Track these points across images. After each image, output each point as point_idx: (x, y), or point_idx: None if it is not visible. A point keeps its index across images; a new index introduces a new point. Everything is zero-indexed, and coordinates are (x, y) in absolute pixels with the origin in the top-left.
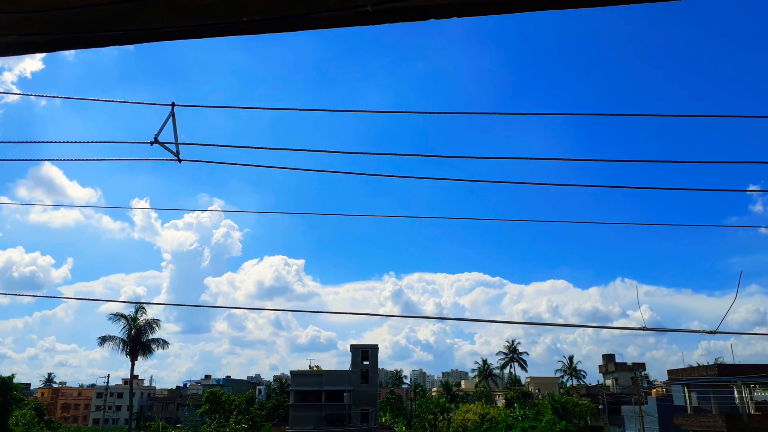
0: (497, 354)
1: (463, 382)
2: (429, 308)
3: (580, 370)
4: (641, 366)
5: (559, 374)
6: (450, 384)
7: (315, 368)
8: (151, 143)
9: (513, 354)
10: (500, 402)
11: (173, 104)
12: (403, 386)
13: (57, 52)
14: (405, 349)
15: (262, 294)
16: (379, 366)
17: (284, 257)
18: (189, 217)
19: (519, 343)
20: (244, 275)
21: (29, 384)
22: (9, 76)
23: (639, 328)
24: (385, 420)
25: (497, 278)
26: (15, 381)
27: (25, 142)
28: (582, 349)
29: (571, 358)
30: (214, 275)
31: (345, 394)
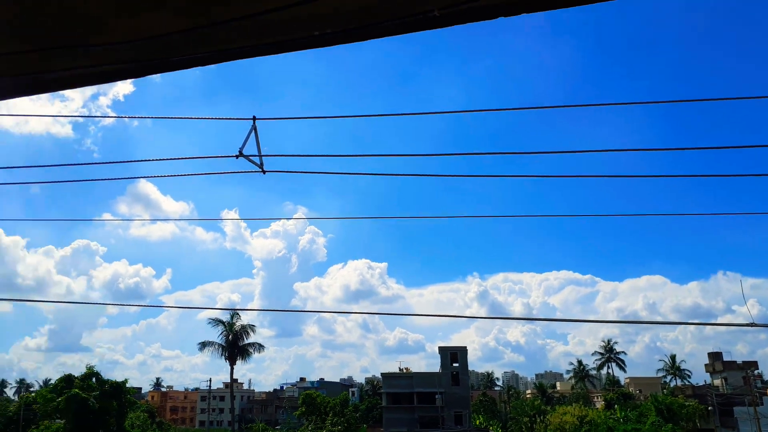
0: (593, 354)
1: (558, 384)
2: (517, 309)
3: (684, 370)
4: (753, 364)
5: (660, 374)
6: (544, 385)
7: (405, 370)
8: (237, 156)
9: (610, 354)
10: (599, 404)
11: (254, 118)
12: (496, 388)
13: (145, 77)
14: (495, 350)
15: (348, 297)
16: (469, 368)
17: (368, 261)
18: (276, 226)
19: (616, 342)
20: (330, 279)
21: (140, 388)
22: (104, 101)
23: (747, 324)
24: (479, 422)
25: (588, 276)
26: (128, 385)
27: (122, 162)
28: (684, 347)
29: (673, 357)
30: (302, 280)
31: (437, 396)
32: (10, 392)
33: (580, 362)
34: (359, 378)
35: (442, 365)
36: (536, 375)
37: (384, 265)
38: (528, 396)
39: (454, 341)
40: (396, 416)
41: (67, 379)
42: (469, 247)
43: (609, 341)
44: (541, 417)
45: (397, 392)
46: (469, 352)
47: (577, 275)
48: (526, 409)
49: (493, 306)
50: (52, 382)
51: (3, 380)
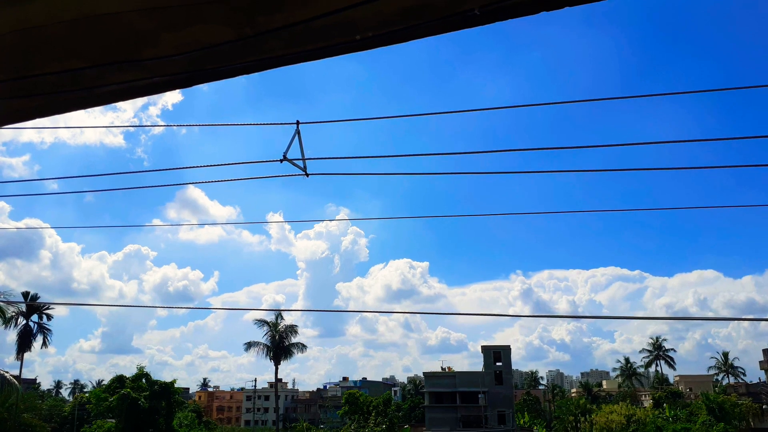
0: (640, 352)
1: (604, 382)
2: (562, 307)
3: (737, 367)
4: None
5: (712, 372)
6: (590, 384)
7: (447, 369)
8: (281, 161)
9: (658, 351)
10: (647, 402)
11: (297, 122)
12: (540, 387)
13: (193, 86)
14: (539, 349)
15: (390, 297)
16: (513, 367)
17: (409, 260)
18: (319, 227)
19: (664, 339)
20: (372, 280)
21: (188, 388)
22: (154, 110)
23: None
24: (523, 422)
25: (636, 272)
26: (176, 386)
27: (170, 169)
28: (738, 344)
29: (725, 355)
30: (344, 281)
31: (480, 396)
32: (65, 393)
33: (627, 360)
34: (401, 377)
35: (486, 364)
36: (582, 373)
37: (425, 264)
38: (573, 395)
39: (498, 340)
40: (439, 415)
41: (119, 380)
42: (512, 245)
43: (657, 338)
44: (587, 416)
45: (439, 391)
46: (512, 350)
47: (625, 271)
48: (571, 408)
49: (537, 304)
50: (105, 382)
51: (59, 381)
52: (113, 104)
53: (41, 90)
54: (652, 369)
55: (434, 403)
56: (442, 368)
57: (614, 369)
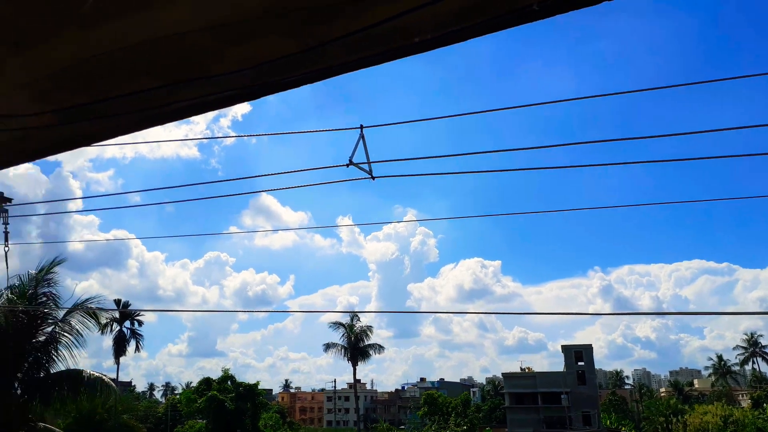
0: (734, 349)
1: (695, 381)
2: (645, 303)
3: None
4: None
5: None
6: (680, 383)
7: (526, 370)
8: (347, 165)
9: (754, 348)
10: (745, 402)
11: (361, 127)
12: (625, 387)
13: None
14: (623, 347)
15: (462, 297)
16: (596, 366)
17: (480, 259)
18: (387, 229)
19: (761, 335)
20: (443, 280)
21: (271, 390)
22: (225, 122)
23: None
24: (610, 423)
25: (725, 264)
26: (260, 387)
27: (243, 178)
28: None
29: None
30: (415, 281)
31: (562, 396)
32: (157, 394)
33: (720, 358)
34: (479, 378)
35: (567, 364)
36: (670, 372)
37: (498, 263)
38: (662, 395)
39: (578, 339)
40: (520, 417)
41: (206, 382)
42: (589, 240)
43: (752, 335)
44: (678, 417)
45: (520, 392)
46: (594, 349)
47: (712, 264)
48: (661, 409)
49: (618, 301)
50: (193, 384)
51: (152, 384)
52: (186, 118)
53: (121, 110)
54: (748, 367)
55: (515, 404)
56: (521, 369)
57: (706, 367)
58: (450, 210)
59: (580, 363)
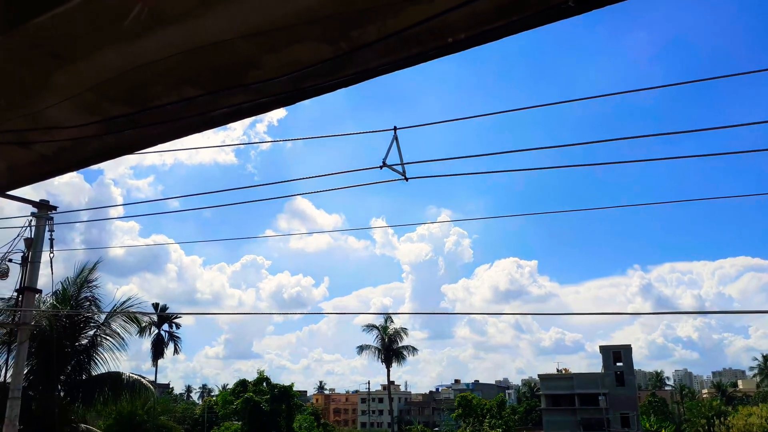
0: None
1: (740, 382)
2: (687, 302)
3: None
4: None
5: None
6: (723, 384)
7: (563, 371)
8: (380, 167)
9: None
10: None
11: (395, 128)
12: (666, 388)
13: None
14: (663, 347)
15: (498, 298)
16: (635, 367)
17: (516, 259)
18: (421, 230)
19: None
20: (478, 281)
21: (305, 391)
22: (261, 127)
23: None
24: (649, 425)
25: None
26: (294, 389)
27: (279, 182)
28: None
29: None
30: (449, 282)
31: (600, 398)
32: (195, 396)
33: (765, 358)
34: (515, 380)
35: (605, 365)
36: (713, 373)
37: (534, 263)
38: (704, 396)
39: (616, 339)
40: (557, 419)
41: (242, 384)
42: (627, 238)
43: None
44: (721, 419)
45: (556, 394)
46: (633, 350)
47: (758, 260)
48: (703, 411)
49: (659, 300)
50: (230, 386)
51: (189, 386)
52: (224, 125)
53: (162, 118)
54: None
55: (551, 406)
56: (558, 370)
57: (751, 368)
58: (485, 210)
59: (618, 364)
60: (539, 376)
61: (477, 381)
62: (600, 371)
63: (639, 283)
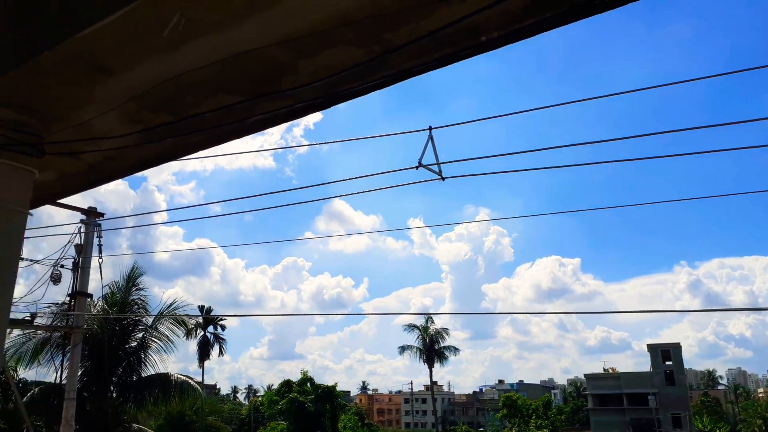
0: None
1: None
2: (738, 298)
3: None
4: None
5: None
6: None
7: (610, 370)
8: (416, 167)
9: None
10: None
11: (430, 128)
12: (719, 387)
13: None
14: (714, 346)
15: (540, 297)
16: (685, 366)
17: (558, 257)
18: (459, 229)
19: None
20: (519, 280)
21: (349, 391)
22: (297, 131)
23: None
24: (702, 425)
25: None
26: (337, 389)
27: (316, 185)
28: None
29: None
30: (490, 282)
31: (649, 397)
32: (241, 397)
33: None
34: (560, 379)
35: (653, 364)
36: None
37: (577, 261)
38: (760, 395)
39: (664, 337)
40: (605, 419)
41: (287, 384)
42: (673, 234)
43: None
44: None
45: (603, 394)
46: (683, 348)
47: None
48: (759, 410)
49: (708, 297)
50: (274, 387)
51: (235, 386)
52: (262, 131)
53: (202, 126)
54: None
55: (599, 406)
56: (604, 369)
57: None
58: (524, 208)
59: (667, 362)
60: (585, 375)
61: (521, 381)
62: (648, 370)
63: (687, 280)
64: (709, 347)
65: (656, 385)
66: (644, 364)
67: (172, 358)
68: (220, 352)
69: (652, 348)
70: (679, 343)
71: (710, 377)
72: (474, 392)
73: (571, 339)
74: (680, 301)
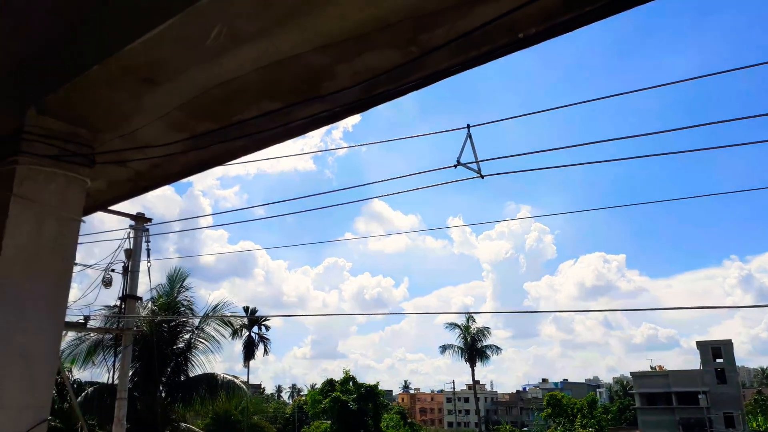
0: None
1: None
2: None
3: None
4: None
5: None
6: None
7: (657, 368)
8: (455, 166)
9: None
10: None
11: (468, 126)
12: None
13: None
14: None
15: (584, 294)
16: (737, 363)
17: (602, 254)
18: (500, 227)
19: None
20: (563, 277)
21: (391, 390)
22: (336, 133)
23: None
24: (757, 425)
25: None
26: (380, 388)
27: (355, 186)
28: None
29: None
30: (532, 280)
31: (700, 396)
32: (285, 396)
33: None
34: (606, 378)
35: (703, 361)
36: None
37: (621, 257)
38: None
39: (714, 334)
40: (653, 418)
41: (330, 384)
42: (722, 227)
43: None
44: None
45: (651, 392)
46: (735, 345)
47: None
48: None
49: (761, 292)
50: (318, 386)
51: (279, 386)
52: (302, 135)
53: (244, 132)
54: None
55: (646, 405)
56: (651, 367)
57: None
58: (566, 204)
59: (718, 360)
60: (632, 373)
61: (566, 380)
62: (698, 368)
63: (738, 275)
64: (762, 344)
65: (707, 383)
66: (693, 362)
67: (219, 358)
68: (265, 352)
69: (701, 345)
70: (731, 340)
71: (765, 375)
72: (517, 391)
73: (616, 337)
74: (731, 297)
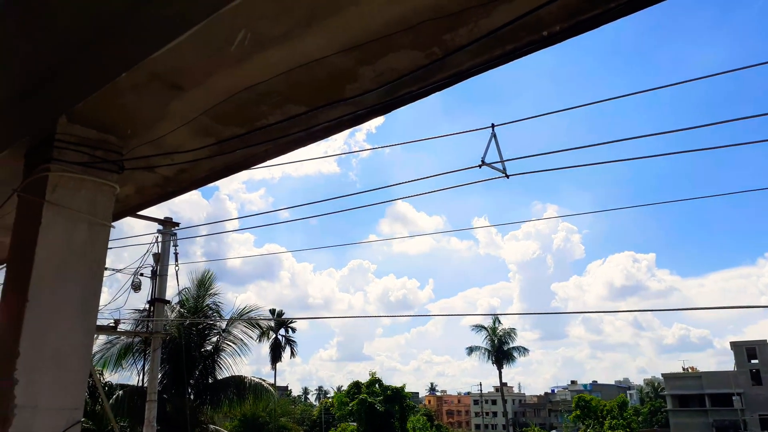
0: None
1: None
2: None
3: None
4: None
5: None
6: None
7: (690, 369)
8: (479, 166)
9: None
10: None
11: (492, 126)
12: None
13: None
14: None
15: (613, 295)
16: None
17: (631, 253)
18: (526, 227)
19: None
20: (591, 277)
21: (417, 393)
22: (360, 136)
23: None
24: None
25: None
26: (406, 390)
27: (379, 188)
28: None
29: None
30: (559, 281)
31: (734, 398)
32: (311, 398)
33: None
34: (636, 379)
35: (737, 362)
36: None
37: (651, 256)
38: None
39: (749, 334)
40: (685, 420)
41: (356, 386)
42: (755, 224)
43: None
44: None
45: (683, 394)
46: None
47: None
48: None
49: None
50: (344, 388)
51: (306, 388)
52: (326, 138)
53: (269, 136)
54: None
55: (679, 407)
56: (683, 368)
57: None
58: (594, 203)
59: (753, 361)
60: (663, 375)
61: (595, 381)
62: (732, 369)
63: None
64: None
65: (741, 384)
66: (727, 363)
67: (246, 361)
68: (292, 354)
69: (735, 346)
70: (766, 340)
71: None
72: (545, 393)
73: (647, 337)
74: (766, 296)
